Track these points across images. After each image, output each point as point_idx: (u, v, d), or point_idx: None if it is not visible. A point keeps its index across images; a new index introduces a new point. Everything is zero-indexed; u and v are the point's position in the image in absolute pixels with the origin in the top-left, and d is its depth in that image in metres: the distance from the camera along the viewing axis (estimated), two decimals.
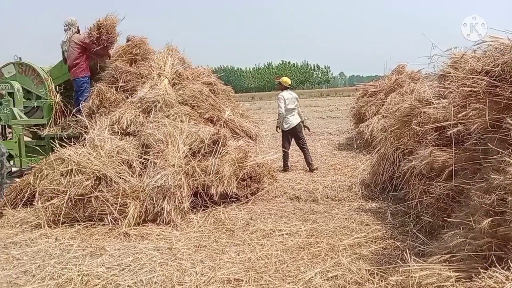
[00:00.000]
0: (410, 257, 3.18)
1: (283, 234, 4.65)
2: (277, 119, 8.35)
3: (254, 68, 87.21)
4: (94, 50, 7.44)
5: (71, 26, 7.62)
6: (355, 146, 10.26)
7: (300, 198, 6.16)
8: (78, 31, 7.70)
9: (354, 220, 5.10)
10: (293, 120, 8.06)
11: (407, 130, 5.65)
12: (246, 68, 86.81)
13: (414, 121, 5.19)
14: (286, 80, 8.37)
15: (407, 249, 3.87)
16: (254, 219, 5.25)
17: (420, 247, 3.98)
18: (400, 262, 3.58)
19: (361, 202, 5.91)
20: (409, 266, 3.03)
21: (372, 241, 4.38)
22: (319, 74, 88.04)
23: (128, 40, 8.22)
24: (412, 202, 4.80)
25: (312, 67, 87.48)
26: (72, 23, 7.64)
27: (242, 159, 5.97)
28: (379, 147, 6.87)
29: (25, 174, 6.60)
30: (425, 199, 4.38)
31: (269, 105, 33.22)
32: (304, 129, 8.39)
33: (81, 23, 7.73)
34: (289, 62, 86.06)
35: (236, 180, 5.83)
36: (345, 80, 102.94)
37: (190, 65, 8.01)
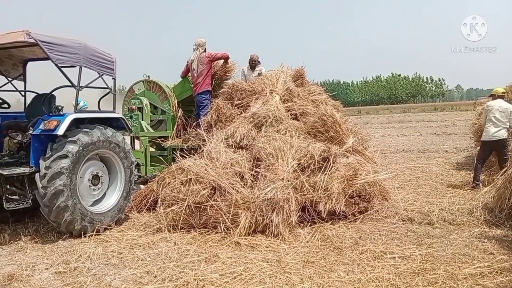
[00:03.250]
0: None
1: (395, 257, 4.43)
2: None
3: (361, 81, 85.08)
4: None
5: (199, 47, 8.18)
6: None
7: (414, 220, 5.81)
8: (205, 51, 8.24)
9: (476, 247, 4.68)
10: (491, 131, 7.44)
11: None
12: (352, 81, 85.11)
13: None
14: (497, 90, 7.85)
15: None
16: (363, 238, 5.09)
17: None
18: None
19: (484, 228, 5.40)
20: None
21: (497, 272, 3.98)
22: (432, 87, 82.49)
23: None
24: None
25: (425, 80, 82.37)
26: (201, 44, 8.20)
27: (352, 177, 5.84)
28: (505, 168, 6.24)
29: (149, 182, 7.28)
30: None
31: (377, 119, 32.06)
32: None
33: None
34: (399, 75, 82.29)
35: (345, 197, 5.74)
36: (462, 94, 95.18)
37: (305, 81, 8.18)
